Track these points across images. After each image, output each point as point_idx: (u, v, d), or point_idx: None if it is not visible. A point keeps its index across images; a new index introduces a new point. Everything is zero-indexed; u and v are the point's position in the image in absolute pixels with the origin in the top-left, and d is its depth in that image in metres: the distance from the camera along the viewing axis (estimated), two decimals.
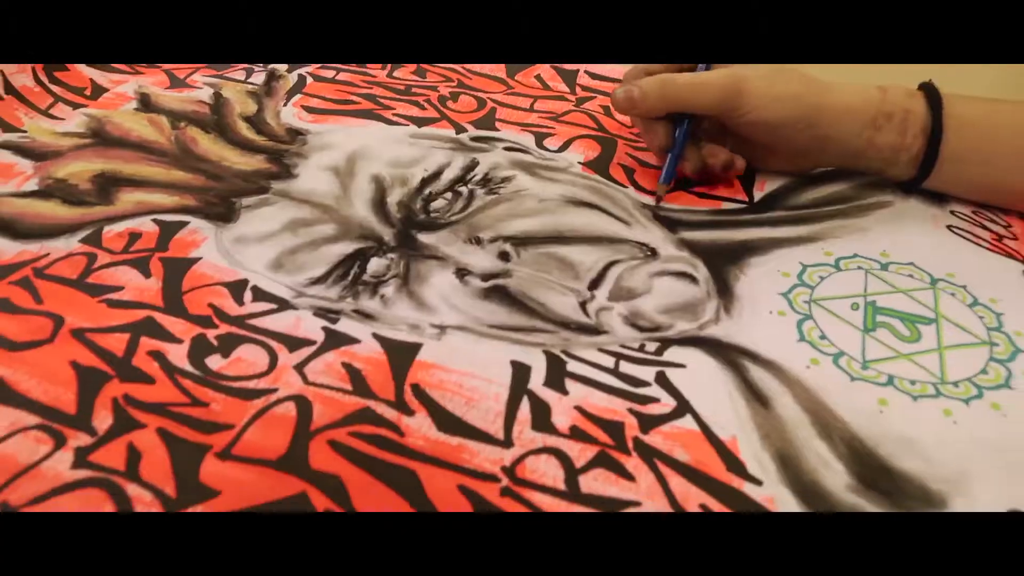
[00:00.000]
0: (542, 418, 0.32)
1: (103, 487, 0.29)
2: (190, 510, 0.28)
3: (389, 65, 0.58)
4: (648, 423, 0.32)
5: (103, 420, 0.31)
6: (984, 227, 0.44)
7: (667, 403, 0.33)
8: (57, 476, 0.29)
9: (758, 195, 0.46)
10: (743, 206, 0.45)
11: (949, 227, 0.44)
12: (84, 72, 0.55)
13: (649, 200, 0.45)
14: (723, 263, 0.40)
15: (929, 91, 0.44)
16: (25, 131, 0.49)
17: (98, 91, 0.54)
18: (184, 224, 0.42)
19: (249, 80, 0.56)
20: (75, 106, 0.52)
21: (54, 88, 0.53)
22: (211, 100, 0.53)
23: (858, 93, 0.44)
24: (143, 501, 0.28)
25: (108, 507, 0.28)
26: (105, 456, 0.30)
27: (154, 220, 0.42)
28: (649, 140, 0.46)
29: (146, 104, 0.53)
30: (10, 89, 0.52)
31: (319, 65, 0.58)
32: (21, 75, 0.53)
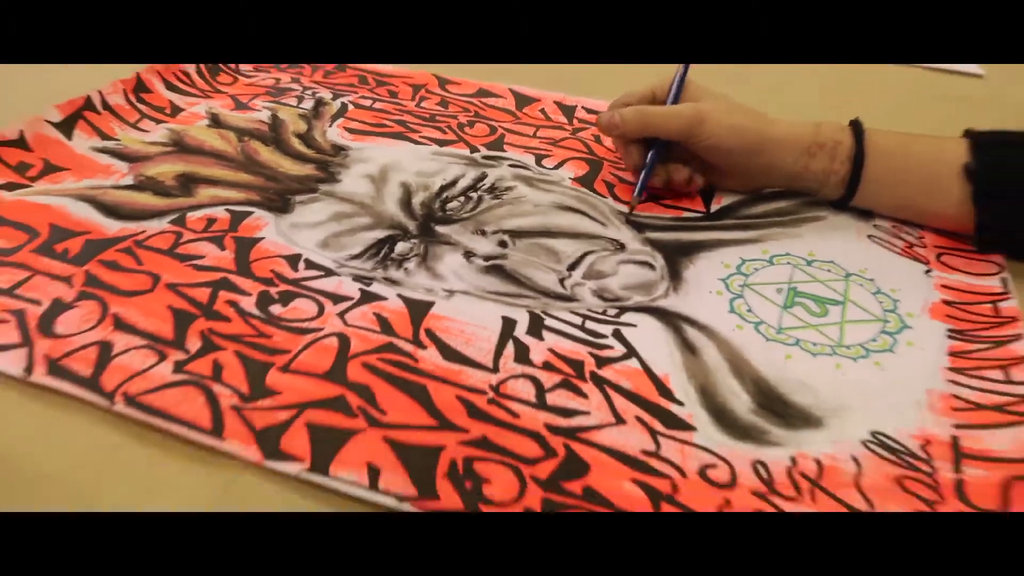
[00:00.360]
0: (522, 354, 0.43)
1: (196, 385, 0.40)
2: (262, 404, 0.39)
3: (418, 96, 0.70)
4: (602, 362, 0.43)
5: (194, 344, 0.42)
6: (900, 237, 0.55)
7: (619, 350, 0.43)
8: (162, 378, 0.40)
9: (715, 208, 0.57)
10: (701, 215, 0.56)
11: (870, 236, 0.55)
12: (164, 94, 0.68)
13: (625, 208, 0.56)
14: (677, 256, 0.51)
15: (855, 126, 0.55)
16: (119, 139, 0.61)
17: (176, 110, 0.66)
18: (250, 213, 0.53)
19: (300, 105, 0.68)
20: (158, 121, 0.65)
21: (140, 107, 0.66)
22: (269, 120, 0.65)
23: (796, 126, 0.55)
24: (224, 395, 0.39)
25: (200, 399, 0.39)
26: (196, 366, 0.41)
27: (226, 209, 0.54)
28: (626, 160, 0.57)
29: (216, 122, 0.65)
30: (106, 106, 0.64)
31: (359, 95, 0.70)
32: (115, 95, 0.65)
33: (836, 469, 0.38)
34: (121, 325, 0.43)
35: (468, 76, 0.75)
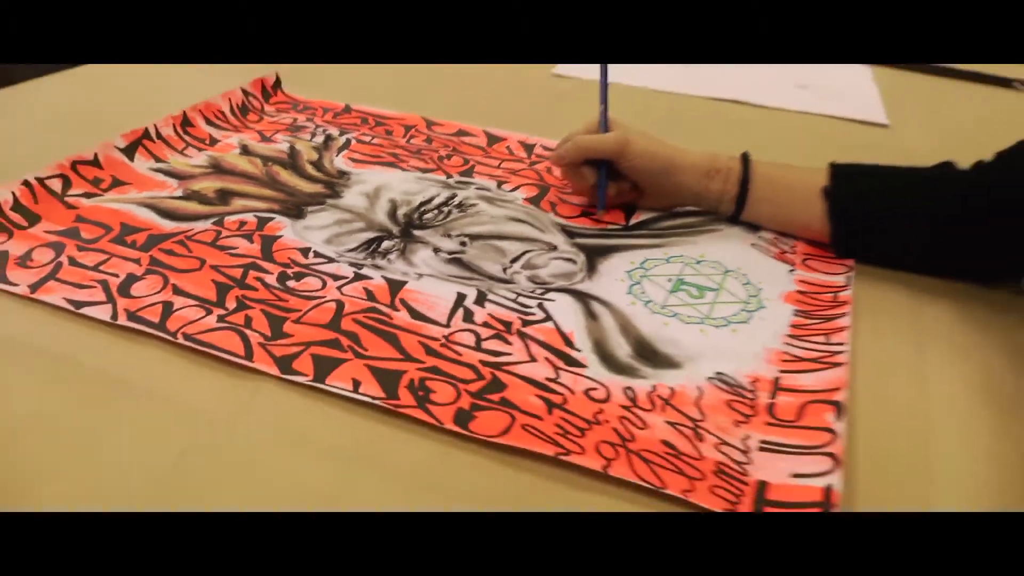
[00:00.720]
0: (468, 316, 0.60)
1: (232, 330, 0.57)
2: (280, 342, 0.56)
3: (408, 135, 0.88)
4: (526, 323, 0.60)
5: (231, 304, 0.60)
6: (776, 246, 0.72)
7: (540, 315, 0.61)
8: (209, 324, 0.57)
9: (633, 222, 0.74)
10: (621, 227, 0.74)
11: (753, 244, 0.72)
12: (204, 128, 0.86)
13: (561, 220, 0.74)
14: (596, 255, 0.69)
15: (744, 156, 0.73)
16: (169, 163, 0.80)
17: (214, 141, 0.85)
18: (272, 218, 0.71)
19: (313, 139, 0.86)
20: (199, 149, 0.83)
21: (186, 137, 0.84)
22: (288, 150, 0.84)
23: (698, 155, 0.73)
24: (254, 336, 0.56)
25: (236, 338, 0.56)
26: (233, 319, 0.58)
27: (254, 215, 0.71)
28: (581, 183, 0.75)
29: (246, 151, 0.83)
30: (159, 136, 0.82)
31: (360, 132, 0.88)
32: (166, 128, 0.84)
33: (684, 394, 0.55)
34: (178, 291, 0.61)
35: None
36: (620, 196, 0.75)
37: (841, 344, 0.59)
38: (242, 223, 0.70)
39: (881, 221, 0.70)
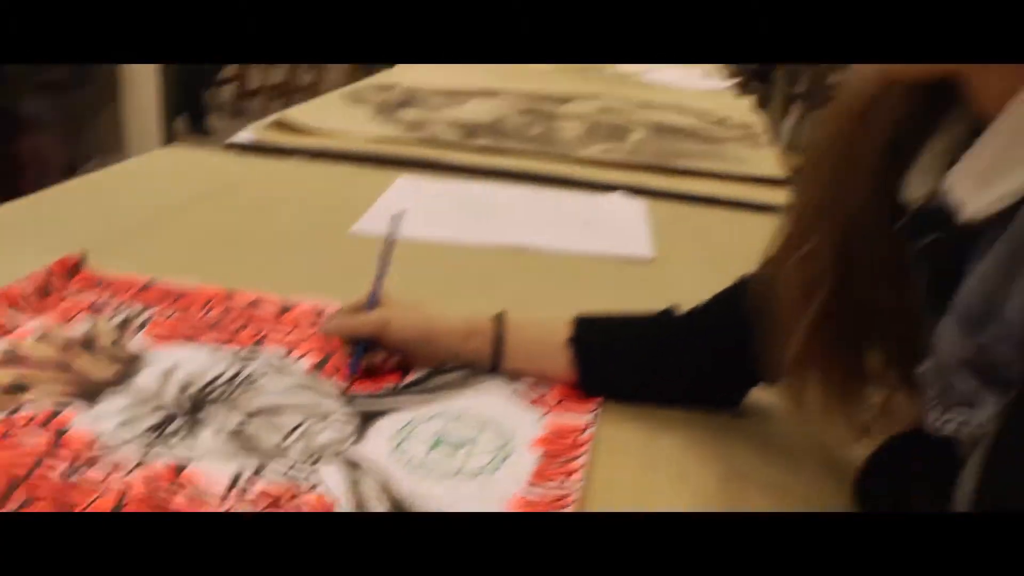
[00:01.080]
0: (244, 493, 0.68)
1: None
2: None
3: (206, 308, 0.97)
4: (299, 495, 0.69)
5: (18, 501, 0.66)
6: (535, 390, 0.84)
7: (308, 485, 0.70)
8: None
9: (407, 381, 0.85)
10: (394, 386, 0.84)
11: (514, 391, 0.84)
12: (1, 316, 0.92)
13: (342, 385, 0.84)
14: (368, 419, 0.79)
15: (499, 316, 0.85)
16: None
17: (11, 328, 0.91)
18: (65, 407, 0.78)
19: (113, 319, 0.94)
20: None
21: None
22: (87, 332, 0.91)
23: (456, 320, 0.85)
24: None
25: None
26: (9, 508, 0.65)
27: (49, 404, 0.78)
28: (345, 351, 0.86)
29: (43, 337, 0.90)
30: None
31: (160, 308, 0.97)
32: None
33: None
34: None
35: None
36: (388, 362, 0.86)
37: (577, 482, 0.71)
38: (33, 416, 0.77)
39: (618, 364, 0.83)
